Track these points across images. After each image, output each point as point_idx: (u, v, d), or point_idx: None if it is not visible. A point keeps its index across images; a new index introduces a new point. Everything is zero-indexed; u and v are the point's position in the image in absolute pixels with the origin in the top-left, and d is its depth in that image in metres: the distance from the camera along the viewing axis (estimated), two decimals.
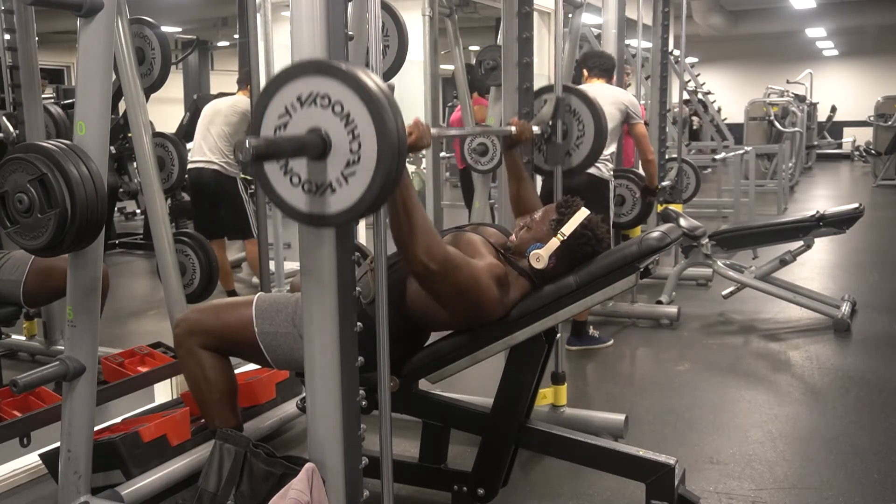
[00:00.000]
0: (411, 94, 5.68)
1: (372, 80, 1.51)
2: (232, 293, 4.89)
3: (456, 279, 2.02)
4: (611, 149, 4.07)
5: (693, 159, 7.93)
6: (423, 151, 4.54)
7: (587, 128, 2.99)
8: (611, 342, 4.21)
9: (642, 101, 6.11)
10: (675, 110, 6.67)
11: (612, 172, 4.08)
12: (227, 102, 4.91)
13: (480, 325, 2.17)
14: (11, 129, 3.40)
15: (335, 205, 1.56)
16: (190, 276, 3.31)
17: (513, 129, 2.68)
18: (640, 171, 4.49)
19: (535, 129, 2.85)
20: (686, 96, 9.60)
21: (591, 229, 2.22)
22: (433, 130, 2.05)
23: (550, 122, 2.94)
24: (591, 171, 4.04)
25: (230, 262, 6.01)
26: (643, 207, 4.36)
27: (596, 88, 4.25)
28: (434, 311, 2.14)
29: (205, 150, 4.78)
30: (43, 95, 3.54)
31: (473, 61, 5.47)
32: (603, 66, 4.28)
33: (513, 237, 2.32)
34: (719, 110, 12.09)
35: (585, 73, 4.41)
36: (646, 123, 4.46)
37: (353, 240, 1.79)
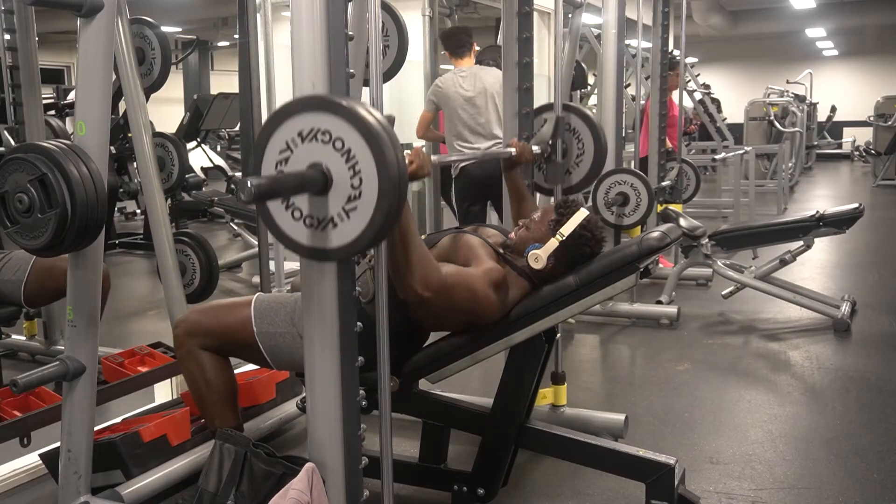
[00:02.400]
0: (411, 95, 5.69)
1: (372, 115, 1.52)
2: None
3: (452, 300, 2.05)
4: None
5: (693, 159, 7.92)
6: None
7: (587, 146, 3.02)
8: None
9: (642, 101, 6.11)
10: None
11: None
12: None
13: (480, 325, 2.18)
14: (13, 142, 3.40)
15: (337, 239, 1.57)
16: (190, 276, 3.31)
17: (513, 150, 2.72)
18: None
19: (535, 148, 2.87)
20: (697, 96, 9.61)
21: (590, 230, 2.22)
22: (433, 158, 2.08)
23: (550, 142, 2.96)
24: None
25: (230, 263, 6.02)
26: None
27: (471, 75, 4.37)
28: (434, 315, 2.14)
29: None
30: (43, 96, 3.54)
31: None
32: (460, 42, 4.42)
33: (512, 234, 2.32)
34: (719, 109, 12.16)
35: (449, 55, 4.50)
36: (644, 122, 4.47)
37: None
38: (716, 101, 12.77)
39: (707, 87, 12.88)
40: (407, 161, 1.58)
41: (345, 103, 1.52)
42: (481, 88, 4.29)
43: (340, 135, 1.52)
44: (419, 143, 4.89)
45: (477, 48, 4.65)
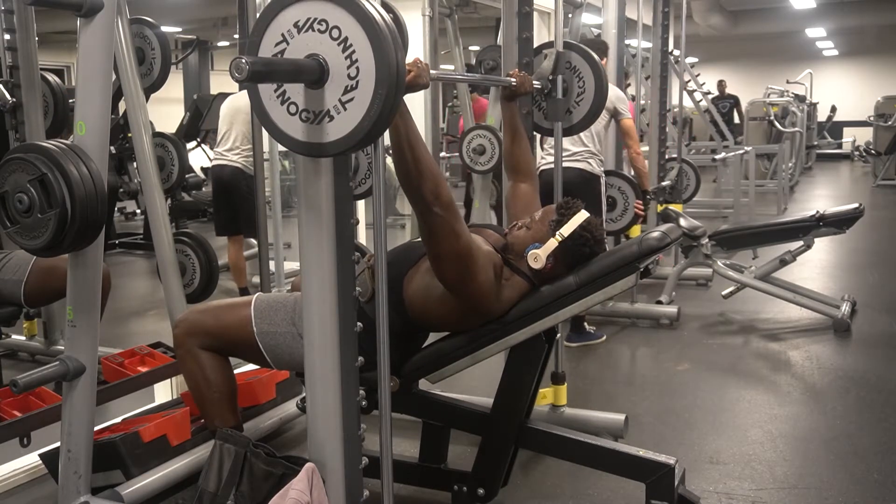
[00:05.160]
0: (411, 95, 5.67)
1: (372, 5, 1.49)
2: (244, 291, 4.90)
3: (456, 234, 1.99)
4: (595, 145, 4.06)
5: (693, 159, 7.93)
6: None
7: (588, 85, 2.94)
8: (604, 337, 4.22)
9: (643, 101, 6.12)
10: (675, 110, 6.68)
11: (603, 169, 4.08)
12: (247, 100, 4.89)
13: (479, 324, 2.17)
14: (8, 95, 3.35)
15: (333, 133, 1.54)
16: (190, 276, 3.31)
17: (513, 80, 2.65)
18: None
19: (536, 83, 2.82)
20: (697, 96, 9.60)
21: (590, 231, 2.21)
22: (433, 72, 2.02)
23: (551, 77, 2.91)
24: (583, 166, 4.06)
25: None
26: (635, 213, 4.29)
27: None
28: (432, 309, 2.13)
29: (226, 148, 4.85)
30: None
31: (473, 61, 5.47)
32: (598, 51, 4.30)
33: (507, 231, 2.31)
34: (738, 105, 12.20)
35: None
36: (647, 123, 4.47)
37: (353, 239, 1.79)
38: (732, 98, 12.77)
39: (722, 83, 12.91)
40: (406, 69, 1.56)
41: None
42: None
43: (338, 24, 1.50)
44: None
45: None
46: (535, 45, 3.04)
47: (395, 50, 1.49)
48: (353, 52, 1.49)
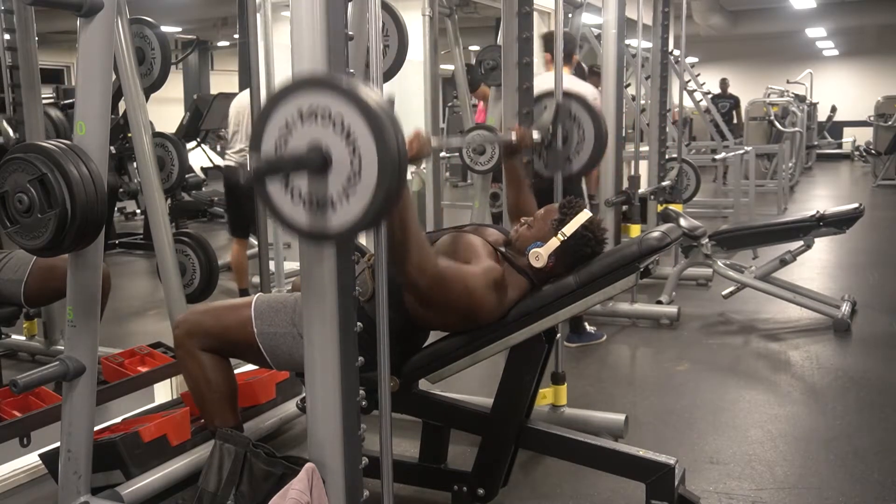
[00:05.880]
0: (411, 95, 5.68)
1: (372, 95, 1.51)
2: (244, 292, 4.91)
3: (448, 294, 2.03)
4: None
5: (693, 159, 7.93)
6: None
7: (587, 133, 2.99)
8: (604, 337, 4.23)
9: (643, 101, 6.11)
10: (676, 110, 6.68)
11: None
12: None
13: (479, 325, 2.17)
14: (11, 132, 3.40)
15: (336, 221, 1.56)
16: (190, 276, 3.31)
17: (513, 135, 2.68)
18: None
19: (536, 135, 2.85)
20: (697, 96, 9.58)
21: (592, 231, 2.22)
22: (433, 141, 2.07)
23: (551, 129, 2.94)
24: None
25: (230, 262, 6.01)
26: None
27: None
28: (432, 310, 2.14)
29: (236, 150, 4.87)
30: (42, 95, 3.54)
31: (473, 61, 5.47)
32: (564, 51, 4.37)
33: (513, 232, 2.32)
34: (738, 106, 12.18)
35: (547, 58, 4.41)
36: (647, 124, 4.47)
37: (354, 245, 1.79)
38: (733, 98, 12.77)
39: (725, 80, 12.89)
40: (406, 143, 1.57)
41: (345, 82, 1.52)
42: None
43: (340, 114, 1.51)
44: None
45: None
46: (535, 44, 3.05)
47: (398, 141, 1.51)
48: (356, 142, 1.51)
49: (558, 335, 2.73)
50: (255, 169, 1.45)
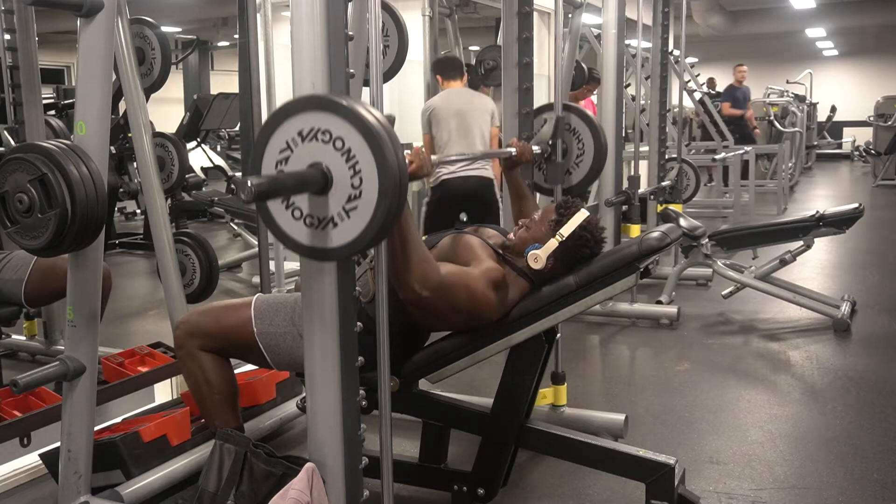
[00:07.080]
0: (411, 95, 5.69)
1: (372, 115, 1.52)
2: None
3: (451, 300, 2.04)
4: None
5: (693, 159, 7.93)
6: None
7: (587, 146, 3.02)
8: None
9: (643, 101, 6.11)
10: (675, 110, 6.68)
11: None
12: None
13: (480, 325, 2.18)
14: (13, 142, 3.40)
15: (337, 239, 1.57)
16: (190, 276, 3.31)
17: (513, 150, 2.71)
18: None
19: (535, 148, 2.87)
20: (697, 96, 9.56)
21: (590, 231, 2.22)
22: (433, 158, 2.10)
23: (550, 142, 2.96)
24: (481, 173, 4.39)
25: (230, 263, 6.02)
26: None
27: (462, 94, 4.52)
28: (434, 313, 2.14)
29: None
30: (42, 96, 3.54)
31: (473, 61, 5.47)
32: (454, 67, 4.57)
33: (511, 235, 2.33)
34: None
35: (440, 79, 4.60)
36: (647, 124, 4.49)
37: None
38: (702, 102, 12.71)
39: (712, 80, 12.83)
40: (407, 161, 1.58)
41: (345, 103, 1.52)
42: None
43: (340, 134, 1.52)
44: (419, 142, 4.90)
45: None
46: (535, 44, 3.06)
47: (398, 159, 1.51)
48: (356, 162, 1.52)
49: (558, 335, 2.73)
50: (256, 189, 1.44)
